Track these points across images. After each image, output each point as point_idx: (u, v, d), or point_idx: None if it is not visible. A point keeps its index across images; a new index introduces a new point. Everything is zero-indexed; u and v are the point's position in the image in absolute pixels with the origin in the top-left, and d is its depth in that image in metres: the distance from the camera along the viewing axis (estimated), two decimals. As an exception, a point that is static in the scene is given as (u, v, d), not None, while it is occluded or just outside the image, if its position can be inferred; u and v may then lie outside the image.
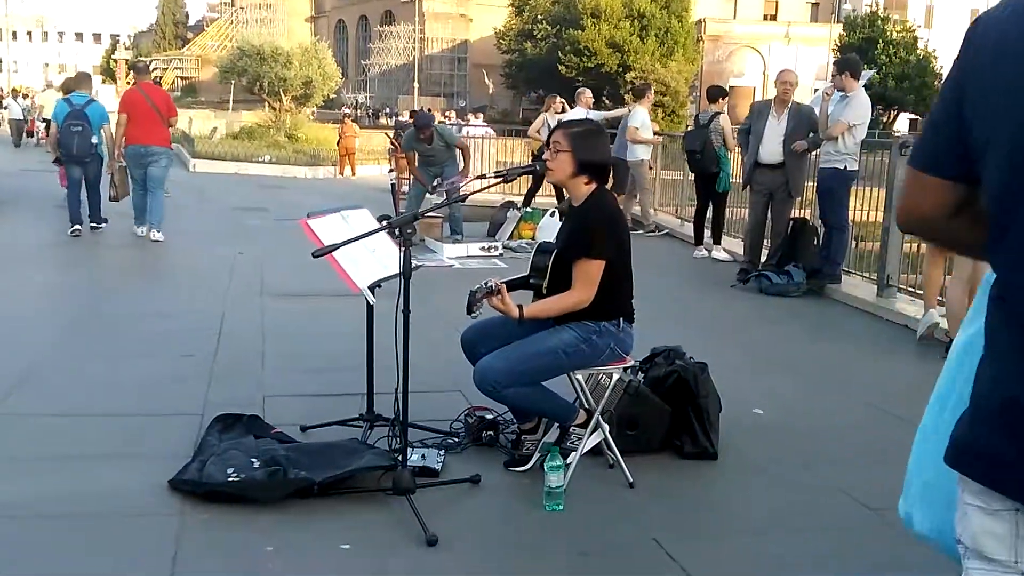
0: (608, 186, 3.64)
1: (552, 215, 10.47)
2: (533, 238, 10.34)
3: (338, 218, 3.81)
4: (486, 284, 3.22)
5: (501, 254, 9.51)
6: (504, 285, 3.32)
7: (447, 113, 28.00)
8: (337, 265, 3.51)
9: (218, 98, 48.54)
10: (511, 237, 10.48)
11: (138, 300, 6.88)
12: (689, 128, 10.48)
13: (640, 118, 11.26)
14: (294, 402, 4.53)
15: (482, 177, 3.56)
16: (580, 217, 3.48)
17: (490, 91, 57.89)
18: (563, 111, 12.13)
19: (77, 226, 9.72)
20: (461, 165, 9.82)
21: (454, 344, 5.11)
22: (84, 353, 5.32)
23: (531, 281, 3.56)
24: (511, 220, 10.74)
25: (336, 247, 3.21)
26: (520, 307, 3.38)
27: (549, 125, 11.77)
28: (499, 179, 3.45)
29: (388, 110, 56.49)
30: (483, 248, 9.52)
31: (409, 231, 3.26)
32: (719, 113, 9.75)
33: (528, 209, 10.87)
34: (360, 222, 3.91)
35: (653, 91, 11.74)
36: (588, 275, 3.40)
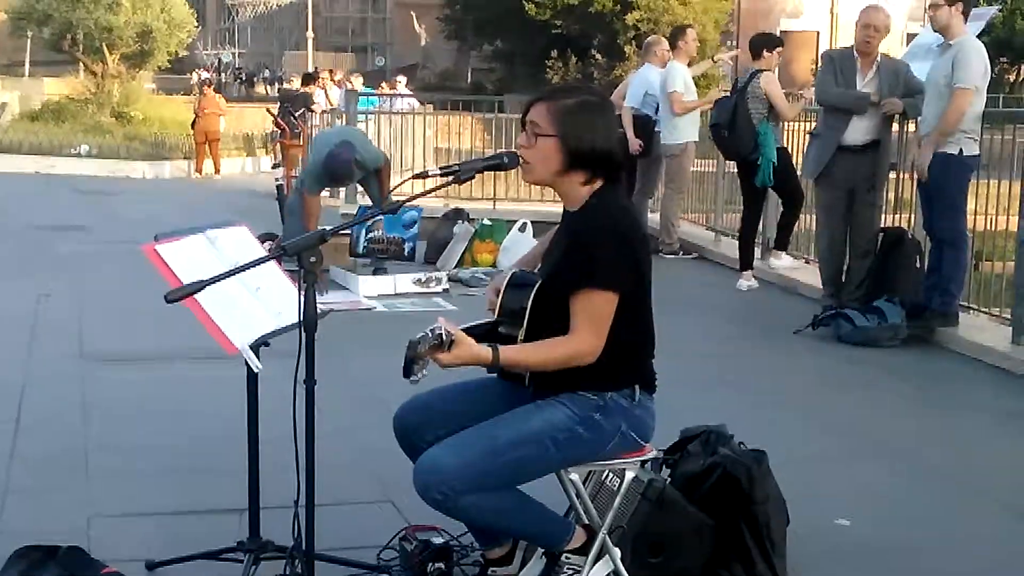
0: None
1: (523, 230, 10.58)
2: (494, 265, 10.38)
3: (202, 241, 3.79)
4: (432, 332, 3.20)
5: (446, 289, 9.53)
6: (459, 332, 3.31)
7: (349, 77, 27.85)
8: (203, 313, 3.49)
9: (7, 59, 48.37)
10: (460, 264, 10.50)
11: None
12: (724, 94, 10.66)
13: (681, 76, 11.38)
14: (136, 524, 4.46)
15: (423, 175, 3.55)
16: (581, 229, 3.49)
17: (422, 43, 58.32)
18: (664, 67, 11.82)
19: None
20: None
21: (382, 430, 5.09)
22: None
23: (500, 330, 3.55)
24: (460, 238, 10.76)
25: (202, 286, 3.19)
26: (494, 349, 3.38)
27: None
28: (450, 177, 3.44)
29: (268, 73, 56.71)
30: (418, 281, 9.52)
31: (312, 260, 3.25)
32: (761, 71, 9.88)
33: (486, 221, 10.91)
34: (235, 247, 3.90)
35: (690, 36, 11.81)
36: (594, 313, 3.41)
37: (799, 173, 9.69)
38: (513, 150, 3.58)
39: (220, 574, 3.86)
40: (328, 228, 3.41)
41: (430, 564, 3.93)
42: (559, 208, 3.71)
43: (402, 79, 27.79)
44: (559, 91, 3.70)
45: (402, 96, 22.31)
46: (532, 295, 3.52)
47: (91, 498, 4.74)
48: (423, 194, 3.78)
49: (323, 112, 19.84)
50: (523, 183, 14.51)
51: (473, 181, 3.67)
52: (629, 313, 3.47)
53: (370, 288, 9.32)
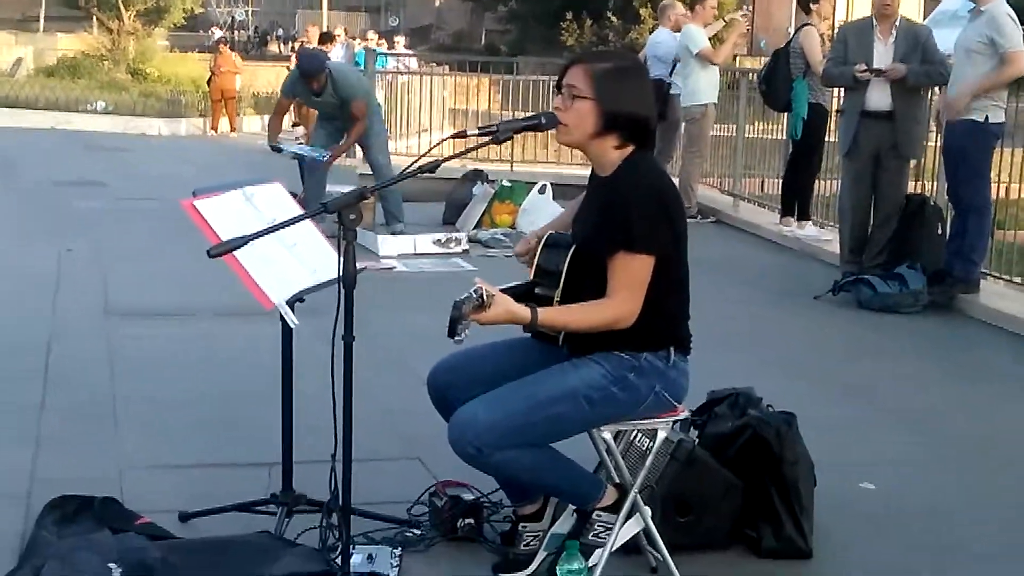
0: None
1: (542, 191, 10.59)
2: (513, 226, 10.41)
3: (239, 197, 3.81)
4: (475, 293, 3.23)
5: (466, 250, 9.56)
6: (498, 292, 3.34)
7: (365, 38, 27.56)
8: (240, 268, 3.51)
9: (21, 14, 48.27)
10: (479, 225, 10.53)
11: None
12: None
13: (703, 35, 11.45)
14: (168, 476, 4.51)
15: (461, 135, 3.56)
16: (614, 193, 3.51)
17: (436, 3, 58.09)
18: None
19: None
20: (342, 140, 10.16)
21: (404, 388, 5.14)
22: None
23: (537, 291, 3.58)
24: (479, 199, 10.78)
25: (244, 241, 3.20)
26: (532, 309, 3.41)
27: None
28: (488, 137, 3.45)
29: (281, 32, 56.53)
30: (438, 241, 9.55)
31: (352, 217, 3.27)
32: (805, 25, 10.05)
33: (505, 183, 10.92)
34: (271, 203, 3.92)
35: (710, 3, 11.83)
36: (632, 277, 3.43)
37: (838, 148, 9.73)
38: (551, 111, 3.59)
39: (253, 526, 3.90)
40: (368, 186, 3.43)
41: (460, 520, 3.98)
42: (577, 171, 3.74)
43: (398, 41, 27.65)
44: (597, 54, 3.73)
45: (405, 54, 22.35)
46: (568, 257, 3.55)
47: (121, 450, 4.80)
48: (460, 154, 3.80)
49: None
50: (540, 145, 14.67)
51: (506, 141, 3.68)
52: (665, 275, 3.49)
53: (390, 248, 9.35)
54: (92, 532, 3.79)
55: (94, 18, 33.84)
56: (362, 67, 16.88)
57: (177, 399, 5.51)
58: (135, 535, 3.77)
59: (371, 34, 27.60)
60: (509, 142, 14.00)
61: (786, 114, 10.44)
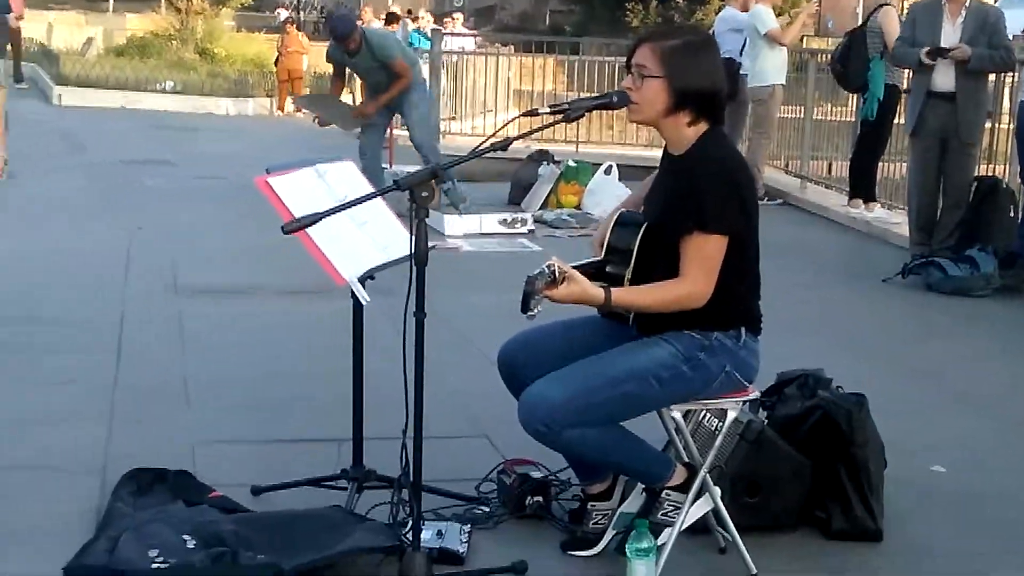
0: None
1: (608, 172, 10.57)
2: (579, 207, 10.40)
3: (312, 175, 3.84)
4: (548, 268, 3.24)
5: (532, 230, 9.56)
6: (572, 269, 3.34)
7: (416, 18, 27.28)
8: (312, 245, 3.54)
9: (92, -6, 48.70)
10: (545, 205, 10.52)
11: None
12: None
13: (771, 17, 11.35)
14: (240, 451, 4.57)
15: (533, 113, 3.57)
16: (687, 173, 3.51)
17: (501, -16, 57.97)
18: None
19: None
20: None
21: (469, 368, 5.14)
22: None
23: (608, 270, 3.58)
24: (545, 180, 10.77)
25: (318, 218, 3.23)
26: (606, 289, 3.41)
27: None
28: (559, 116, 3.46)
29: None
30: (504, 221, 9.56)
31: (425, 195, 3.29)
32: (883, 5, 9.91)
33: (571, 163, 10.90)
34: (342, 181, 3.95)
35: None
36: (705, 258, 3.43)
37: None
38: (622, 89, 3.59)
39: (324, 501, 3.94)
40: (441, 164, 3.44)
41: (529, 497, 4.00)
42: (642, 152, 3.73)
43: (455, 19, 27.43)
44: (664, 32, 3.71)
45: (465, 34, 22.28)
46: (640, 236, 3.55)
47: (193, 426, 4.86)
48: (529, 133, 3.80)
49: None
50: (605, 126, 14.64)
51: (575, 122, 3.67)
52: (737, 255, 3.49)
53: (456, 227, 9.37)
54: (166, 504, 3.87)
55: (164, -1, 34.02)
56: (416, 47, 16.98)
57: (247, 375, 5.56)
58: (208, 508, 3.84)
59: (422, 12, 27.50)
60: (575, 123, 14.10)
61: (857, 95, 10.36)
